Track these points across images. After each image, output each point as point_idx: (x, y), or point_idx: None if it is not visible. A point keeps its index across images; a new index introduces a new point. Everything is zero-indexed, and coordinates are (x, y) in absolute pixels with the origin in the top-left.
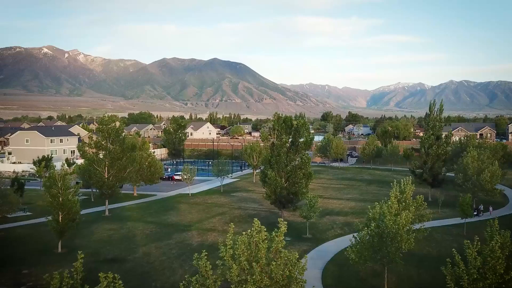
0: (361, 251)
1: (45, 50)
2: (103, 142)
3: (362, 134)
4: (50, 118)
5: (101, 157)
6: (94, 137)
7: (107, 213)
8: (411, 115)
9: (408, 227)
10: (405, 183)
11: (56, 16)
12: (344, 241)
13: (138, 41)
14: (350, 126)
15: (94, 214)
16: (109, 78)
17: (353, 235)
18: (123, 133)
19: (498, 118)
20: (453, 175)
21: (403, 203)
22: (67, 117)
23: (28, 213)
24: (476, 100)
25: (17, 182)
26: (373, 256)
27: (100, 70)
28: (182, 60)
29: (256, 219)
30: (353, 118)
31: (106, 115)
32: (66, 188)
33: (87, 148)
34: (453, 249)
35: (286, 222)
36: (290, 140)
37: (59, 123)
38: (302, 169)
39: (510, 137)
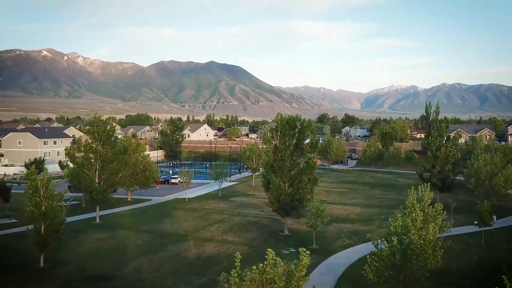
0: (381, 270)
1: (45, 52)
2: (93, 145)
3: (359, 136)
4: (48, 119)
5: (92, 160)
6: (84, 139)
7: (97, 220)
8: (406, 117)
9: (434, 242)
10: (423, 190)
11: (55, 20)
12: (354, 252)
13: (136, 44)
14: (347, 128)
15: (84, 222)
16: (107, 80)
17: (371, 251)
18: (117, 134)
19: (492, 120)
20: (462, 179)
21: (422, 213)
22: (65, 119)
23: (13, 221)
24: (467, 102)
25: (1, 186)
26: (395, 276)
27: (98, 73)
28: (180, 63)
29: (270, 249)
30: (350, 120)
31: (97, 115)
32: (50, 196)
33: (75, 150)
34: (504, 276)
35: (308, 252)
36: (294, 142)
37: (55, 124)
38: (307, 174)
39: (509, 139)
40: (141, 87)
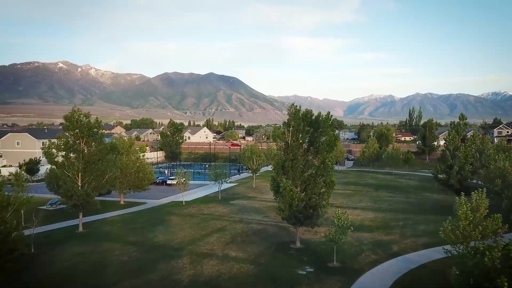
0: None
1: (60, 64)
2: (76, 142)
3: (347, 139)
4: (62, 124)
5: (72, 160)
6: (63, 136)
7: (80, 228)
8: (387, 122)
9: None
10: (479, 197)
11: (70, 35)
12: (385, 273)
13: (143, 57)
14: (336, 131)
15: (65, 230)
16: (117, 89)
17: None
18: (100, 131)
19: (468, 125)
20: (476, 180)
21: (480, 227)
22: None
23: None
24: (439, 110)
25: None
26: None
27: (109, 83)
28: (182, 74)
29: None
30: (338, 125)
31: (76, 108)
32: (2, 206)
33: (54, 149)
34: None
35: None
36: (307, 138)
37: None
38: (323, 176)
39: (495, 141)
40: (148, 96)
